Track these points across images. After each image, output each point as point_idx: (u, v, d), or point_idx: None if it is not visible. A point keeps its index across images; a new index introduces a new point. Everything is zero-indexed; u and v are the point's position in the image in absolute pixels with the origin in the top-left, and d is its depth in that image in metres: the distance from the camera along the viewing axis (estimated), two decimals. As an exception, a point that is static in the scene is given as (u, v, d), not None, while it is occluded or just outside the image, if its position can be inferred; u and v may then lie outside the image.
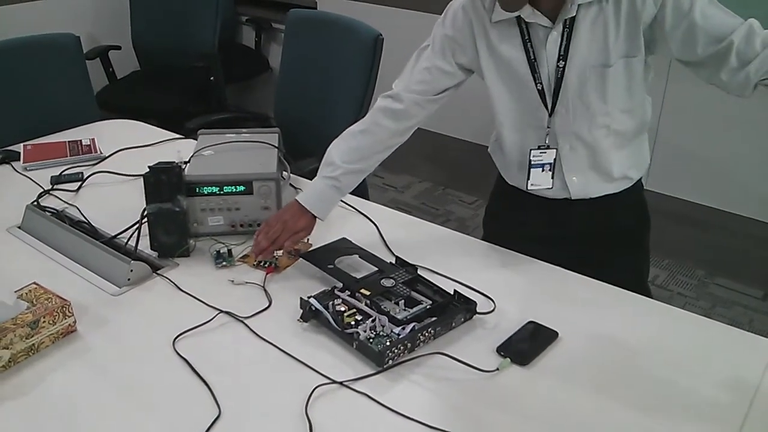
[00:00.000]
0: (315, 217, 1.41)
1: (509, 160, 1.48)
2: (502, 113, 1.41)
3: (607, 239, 1.48)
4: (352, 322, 1.17)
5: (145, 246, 1.43)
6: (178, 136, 2.07)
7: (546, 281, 1.36)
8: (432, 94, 1.40)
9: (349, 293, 1.25)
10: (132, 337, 1.21)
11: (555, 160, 1.39)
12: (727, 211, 2.78)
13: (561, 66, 1.29)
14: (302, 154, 1.89)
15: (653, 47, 1.28)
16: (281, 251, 1.42)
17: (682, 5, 1.19)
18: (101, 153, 1.93)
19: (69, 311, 1.19)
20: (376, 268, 1.34)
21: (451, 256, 1.44)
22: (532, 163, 1.39)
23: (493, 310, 1.25)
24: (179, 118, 2.32)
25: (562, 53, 1.28)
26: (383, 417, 1.02)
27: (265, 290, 1.32)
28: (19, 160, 1.89)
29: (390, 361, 1.11)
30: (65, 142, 1.97)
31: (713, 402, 1.05)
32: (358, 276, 1.31)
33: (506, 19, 1.29)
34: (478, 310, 1.23)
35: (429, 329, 1.15)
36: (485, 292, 1.30)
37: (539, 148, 1.38)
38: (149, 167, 1.39)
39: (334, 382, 1.08)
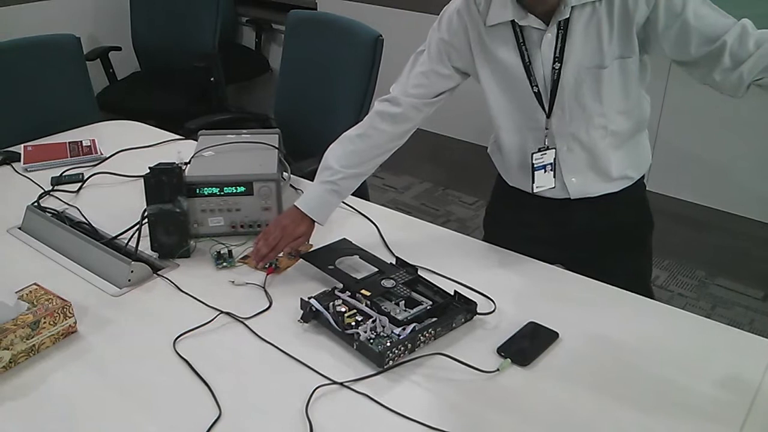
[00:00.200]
0: (314, 222, 1.41)
1: (509, 162, 1.48)
2: (499, 116, 1.41)
3: (609, 239, 1.48)
4: (353, 323, 1.17)
5: (145, 247, 1.43)
6: (178, 136, 2.07)
7: (546, 282, 1.36)
8: (429, 97, 1.40)
9: (349, 294, 1.25)
10: (132, 337, 1.21)
11: (554, 161, 1.39)
12: (728, 211, 2.78)
13: (557, 68, 1.30)
14: (302, 154, 1.89)
15: (647, 48, 1.28)
16: (281, 252, 1.42)
17: (674, 6, 1.19)
18: (102, 154, 1.93)
19: (69, 312, 1.19)
20: (377, 269, 1.34)
21: (452, 257, 1.44)
22: (535, 166, 1.39)
23: (493, 311, 1.25)
24: (179, 118, 2.32)
25: (557, 55, 1.29)
26: (384, 417, 1.02)
27: (265, 291, 1.32)
28: (19, 161, 1.89)
29: (390, 362, 1.11)
30: (66, 143, 1.97)
31: (714, 402, 1.05)
32: (359, 277, 1.31)
33: (501, 23, 1.29)
34: (478, 311, 1.23)
35: (429, 330, 1.15)
36: (485, 293, 1.30)
37: (539, 150, 1.38)
38: (150, 168, 1.39)
39: (334, 382, 1.08)
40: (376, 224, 1.56)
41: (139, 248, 1.42)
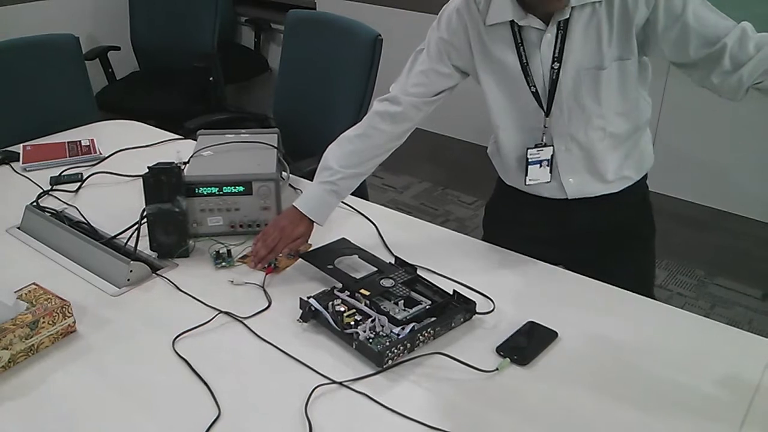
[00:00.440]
0: (313, 222, 1.41)
1: (507, 161, 1.48)
2: (498, 115, 1.41)
3: (609, 240, 1.48)
4: (352, 323, 1.17)
5: (144, 246, 1.43)
6: (177, 136, 2.07)
7: (545, 281, 1.36)
8: (429, 96, 1.40)
9: (348, 293, 1.25)
10: (132, 337, 1.21)
11: (552, 159, 1.39)
12: (727, 211, 2.78)
13: (556, 68, 1.30)
14: (301, 154, 1.89)
15: (646, 49, 1.28)
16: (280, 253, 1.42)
17: (674, 7, 1.19)
18: (100, 153, 1.93)
19: (68, 312, 1.19)
20: (376, 269, 1.34)
21: (451, 257, 1.44)
22: (530, 160, 1.39)
23: (492, 310, 1.25)
24: (178, 118, 2.32)
25: (556, 55, 1.28)
26: (383, 417, 1.02)
27: (264, 291, 1.32)
28: (18, 160, 1.89)
29: (389, 361, 1.11)
30: (65, 142, 1.97)
31: (713, 402, 1.05)
32: (358, 276, 1.31)
33: (500, 23, 1.29)
34: (477, 310, 1.23)
35: (428, 329, 1.15)
36: (484, 292, 1.30)
37: (536, 146, 1.38)
38: (149, 168, 1.39)
39: (333, 382, 1.08)
40: (375, 224, 1.56)
41: (138, 248, 1.42)
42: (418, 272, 1.33)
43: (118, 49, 3.54)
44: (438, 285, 1.28)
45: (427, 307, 1.21)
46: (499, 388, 1.08)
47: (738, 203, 2.74)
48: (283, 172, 1.67)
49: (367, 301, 1.22)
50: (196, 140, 1.72)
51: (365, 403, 1.05)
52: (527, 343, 1.16)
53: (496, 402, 1.05)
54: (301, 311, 1.22)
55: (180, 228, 1.42)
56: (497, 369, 1.10)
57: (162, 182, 1.39)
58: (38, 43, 2.22)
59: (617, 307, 1.29)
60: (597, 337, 1.19)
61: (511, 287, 1.33)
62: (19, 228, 1.56)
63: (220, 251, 1.43)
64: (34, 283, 1.25)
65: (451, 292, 1.25)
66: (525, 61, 1.31)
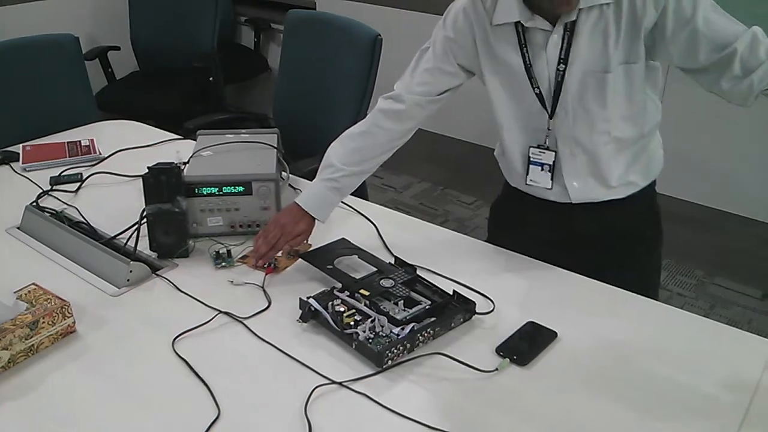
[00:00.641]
0: (314, 219, 1.41)
1: (511, 163, 1.47)
2: (502, 115, 1.40)
3: (613, 246, 1.46)
4: (352, 323, 1.17)
5: (144, 247, 1.43)
6: (177, 136, 2.07)
7: (545, 281, 1.36)
8: (434, 94, 1.39)
9: (348, 294, 1.25)
10: (131, 337, 1.21)
11: (555, 163, 1.38)
12: (727, 211, 2.78)
13: (561, 69, 1.29)
14: (301, 154, 1.90)
15: (654, 54, 1.26)
16: (281, 252, 1.42)
17: (684, 11, 1.17)
18: (100, 154, 1.93)
19: (68, 312, 1.19)
20: (376, 269, 1.34)
21: (450, 257, 1.44)
22: (531, 159, 1.39)
23: (492, 311, 1.25)
24: (178, 118, 2.32)
25: (562, 57, 1.27)
26: (382, 417, 1.02)
27: (264, 291, 1.32)
28: (18, 160, 1.89)
29: (389, 362, 1.11)
30: (64, 142, 1.97)
31: (712, 402, 1.05)
32: (358, 276, 1.31)
33: (506, 23, 1.28)
34: (477, 311, 1.23)
35: (428, 329, 1.15)
36: (484, 293, 1.30)
37: (539, 146, 1.38)
38: (148, 168, 1.39)
39: (333, 382, 1.08)
40: (374, 224, 1.56)
41: (137, 248, 1.42)
42: (417, 272, 1.33)
43: (117, 49, 3.54)
44: (438, 285, 1.28)
45: (427, 307, 1.21)
46: (498, 389, 1.08)
47: (738, 203, 2.75)
48: (283, 173, 1.67)
49: (367, 302, 1.22)
50: (195, 140, 1.72)
51: (365, 403, 1.05)
52: (527, 344, 1.16)
53: (495, 402, 1.05)
54: (300, 311, 1.22)
55: (180, 228, 1.42)
56: (497, 369, 1.10)
57: (162, 182, 1.39)
58: (38, 43, 2.22)
59: (617, 307, 1.29)
60: (597, 336, 1.20)
61: (511, 287, 1.33)
62: (18, 228, 1.56)
63: (220, 251, 1.43)
64: (33, 284, 1.25)
65: (451, 293, 1.25)
66: (529, 62, 1.30)
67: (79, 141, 1.98)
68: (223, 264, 1.41)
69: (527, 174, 1.40)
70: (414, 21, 3.29)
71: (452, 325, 1.20)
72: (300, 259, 1.40)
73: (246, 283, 1.35)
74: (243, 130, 1.74)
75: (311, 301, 1.21)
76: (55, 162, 1.88)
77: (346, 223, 1.57)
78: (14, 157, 1.91)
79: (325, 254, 1.39)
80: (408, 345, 1.13)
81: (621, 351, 1.16)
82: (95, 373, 1.12)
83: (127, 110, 3.01)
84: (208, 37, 3.32)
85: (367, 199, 1.73)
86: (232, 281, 1.36)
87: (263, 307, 1.27)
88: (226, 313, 1.25)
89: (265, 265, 1.39)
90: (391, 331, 1.15)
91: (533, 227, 1.50)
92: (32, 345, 1.14)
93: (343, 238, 1.46)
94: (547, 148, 1.37)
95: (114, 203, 1.67)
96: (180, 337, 1.19)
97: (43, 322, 1.15)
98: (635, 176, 1.41)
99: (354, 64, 2.04)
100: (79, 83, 2.29)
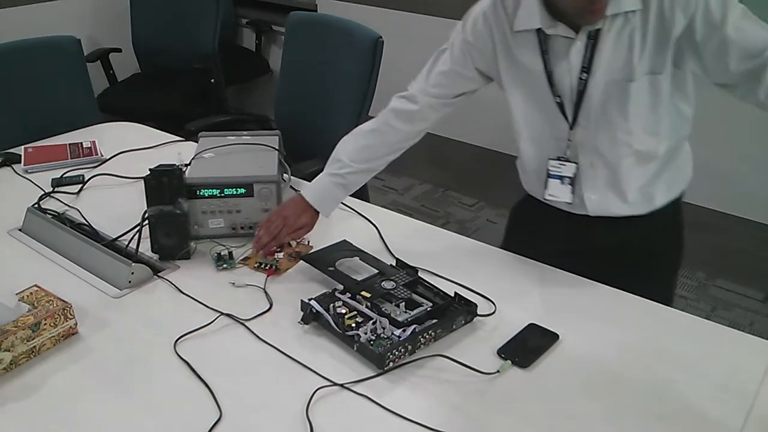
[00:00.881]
0: (317, 214, 1.40)
1: (527, 170, 1.44)
2: (520, 123, 1.37)
3: (628, 260, 1.41)
4: (353, 325, 1.17)
5: (146, 248, 1.43)
6: (178, 138, 2.07)
7: (546, 283, 1.36)
8: (448, 97, 1.38)
9: (349, 295, 1.25)
10: (133, 339, 1.21)
11: (574, 177, 1.34)
12: (728, 213, 2.78)
13: (584, 78, 1.25)
14: (303, 156, 1.90)
15: (681, 62, 1.21)
16: (282, 253, 1.42)
17: (713, 18, 1.12)
18: (102, 155, 1.93)
19: (70, 313, 1.19)
20: (377, 271, 1.34)
21: (452, 259, 1.44)
22: (551, 173, 1.35)
23: (493, 313, 1.25)
24: (180, 120, 2.32)
25: (585, 65, 1.24)
26: (384, 419, 1.02)
27: (265, 292, 1.33)
28: (20, 162, 1.89)
29: (391, 363, 1.11)
30: (66, 144, 1.97)
31: (714, 404, 1.05)
32: (359, 278, 1.31)
33: (527, 30, 1.25)
34: (478, 312, 1.23)
35: (430, 331, 1.15)
36: (486, 295, 1.30)
37: (558, 159, 1.34)
38: (150, 169, 1.39)
39: (335, 384, 1.08)
40: (376, 226, 1.56)
41: (139, 250, 1.42)
42: (419, 274, 1.33)
43: (119, 51, 3.54)
44: (439, 287, 1.28)
45: (428, 309, 1.21)
46: (500, 391, 1.08)
47: (739, 205, 2.74)
48: (285, 174, 1.67)
49: (368, 303, 1.22)
50: (197, 142, 1.72)
51: (366, 405, 1.05)
52: (528, 346, 1.16)
53: (497, 404, 1.05)
54: (302, 313, 1.22)
55: (181, 230, 1.42)
56: (498, 371, 1.10)
57: (163, 184, 1.39)
58: (40, 45, 2.22)
59: (618, 309, 1.29)
60: (598, 339, 1.19)
61: (512, 289, 1.33)
62: (20, 230, 1.56)
63: (222, 253, 1.43)
64: (35, 285, 1.25)
65: (452, 294, 1.25)
66: (550, 70, 1.27)
67: (81, 143, 1.98)
68: (225, 266, 1.41)
69: (545, 188, 1.37)
70: (415, 23, 3.29)
71: (454, 327, 1.20)
72: (301, 261, 1.40)
73: (247, 284, 1.35)
74: (244, 132, 1.74)
75: (313, 302, 1.21)
76: (57, 164, 1.88)
77: (348, 225, 1.57)
78: (16, 158, 1.91)
79: (327, 256, 1.39)
80: (409, 347, 1.13)
81: (622, 353, 1.16)
82: (97, 375, 1.12)
83: (128, 112, 3.00)
84: (210, 39, 3.32)
85: (368, 201, 1.73)
86: (233, 283, 1.36)
87: (265, 309, 1.27)
88: (228, 315, 1.25)
89: (267, 267, 1.39)
90: (392, 333, 1.15)
91: (550, 236, 1.47)
92: (34, 347, 1.14)
93: (345, 240, 1.46)
94: (567, 160, 1.34)
95: (116, 205, 1.67)
96: (181, 338, 1.19)
97: (45, 324, 1.15)
98: (656, 192, 1.36)
99: (355, 66, 2.04)
100: (81, 85, 2.29)
